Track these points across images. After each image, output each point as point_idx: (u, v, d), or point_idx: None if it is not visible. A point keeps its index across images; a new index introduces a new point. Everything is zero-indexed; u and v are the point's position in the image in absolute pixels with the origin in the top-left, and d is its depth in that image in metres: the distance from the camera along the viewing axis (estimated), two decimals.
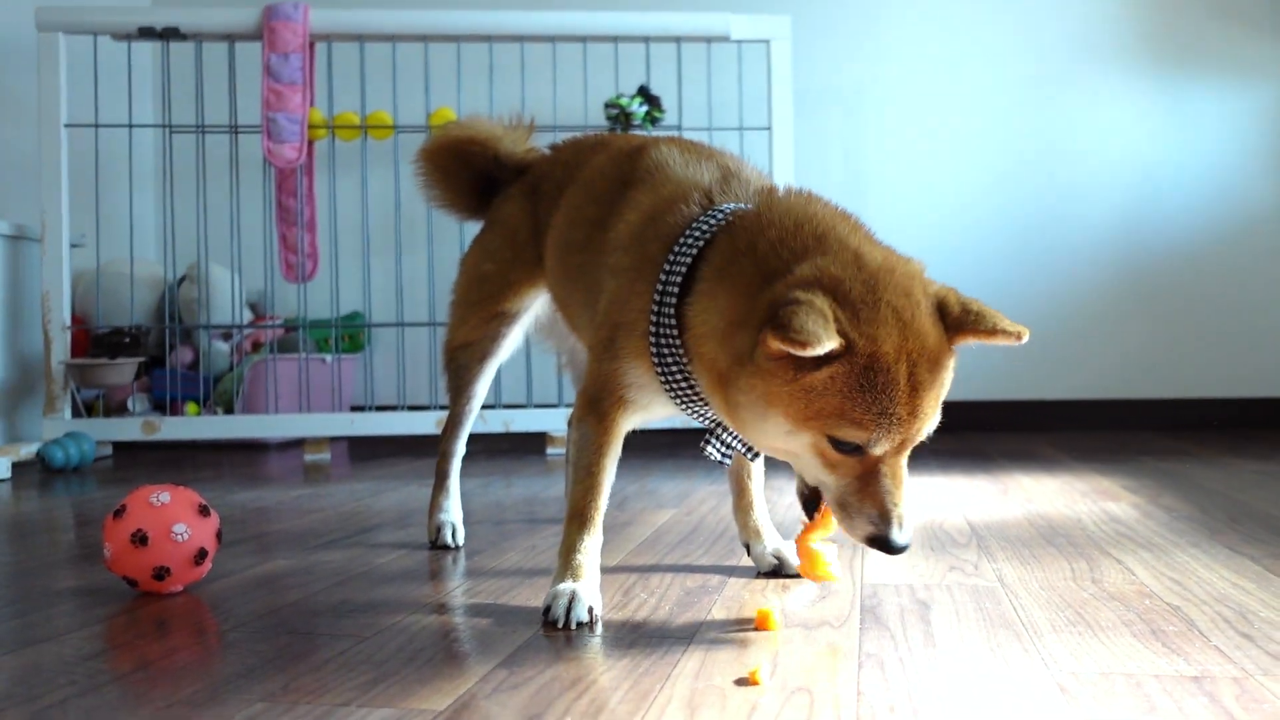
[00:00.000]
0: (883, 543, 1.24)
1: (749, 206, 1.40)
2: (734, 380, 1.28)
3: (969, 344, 1.27)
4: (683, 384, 1.40)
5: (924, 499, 2.39)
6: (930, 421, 1.25)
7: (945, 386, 1.26)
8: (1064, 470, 2.86)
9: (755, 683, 1.11)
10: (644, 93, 3.68)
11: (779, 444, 1.29)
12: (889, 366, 1.19)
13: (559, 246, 1.70)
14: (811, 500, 1.42)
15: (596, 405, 1.47)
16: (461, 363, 1.93)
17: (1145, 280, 4.14)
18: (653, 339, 1.39)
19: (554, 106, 3.65)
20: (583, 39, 3.61)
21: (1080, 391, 4.17)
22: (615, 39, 3.60)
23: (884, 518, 1.24)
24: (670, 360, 1.39)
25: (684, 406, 1.45)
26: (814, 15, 4.18)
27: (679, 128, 3.65)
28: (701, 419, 1.49)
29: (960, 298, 1.28)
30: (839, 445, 1.24)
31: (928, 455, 3.26)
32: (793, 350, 1.15)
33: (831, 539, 1.46)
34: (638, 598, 1.50)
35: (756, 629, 1.33)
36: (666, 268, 1.38)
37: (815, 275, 1.24)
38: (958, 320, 1.25)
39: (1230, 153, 4.12)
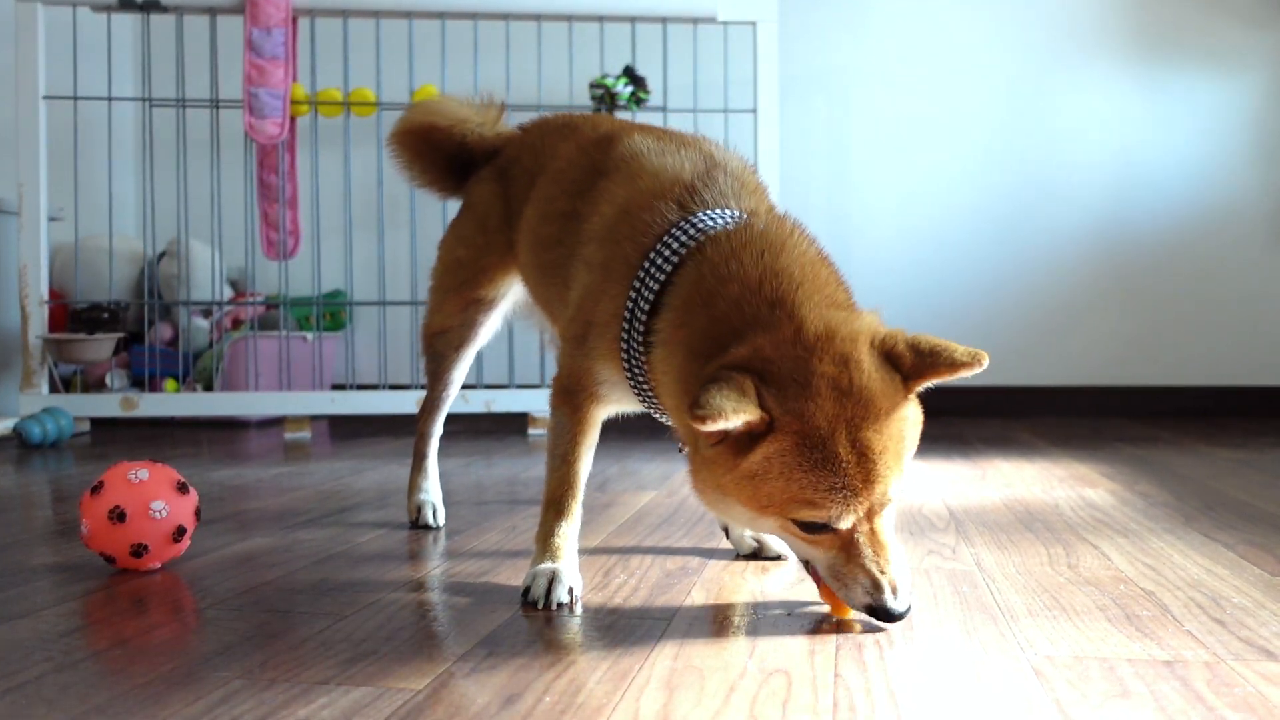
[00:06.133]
0: (881, 612, 1.21)
1: (728, 223, 1.34)
2: (694, 459, 1.27)
3: (936, 382, 1.21)
4: (650, 394, 1.39)
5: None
6: (891, 481, 1.19)
7: (904, 440, 1.20)
8: (1042, 456, 2.88)
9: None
10: (630, 73, 3.66)
11: (752, 526, 1.28)
12: (824, 439, 1.15)
13: (531, 242, 1.67)
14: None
15: (571, 396, 1.46)
16: (438, 350, 1.93)
17: (1124, 268, 4.17)
18: (624, 347, 1.37)
19: (539, 86, 3.63)
20: (568, 18, 3.58)
21: (1059, 378, 4.19)
22: (601, 19, 3.58)
23: (876, 586, 1.20)
24: (639, 372, 1.37)
25: (654, 412, 1.45)
26: None
27: (664, 109, 3.64)
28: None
29: (909, 340, 1.22)
30: (804, 526, 1.20)
31: None
32: (699, 426, 1.12)
33: None
34: (617, 579, 1.50)
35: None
36: (637, 284, 1.35)
37: (747, 356, 1.20)
38: (914, 366, 1.20)
39: (1210, 142, 4.14)
